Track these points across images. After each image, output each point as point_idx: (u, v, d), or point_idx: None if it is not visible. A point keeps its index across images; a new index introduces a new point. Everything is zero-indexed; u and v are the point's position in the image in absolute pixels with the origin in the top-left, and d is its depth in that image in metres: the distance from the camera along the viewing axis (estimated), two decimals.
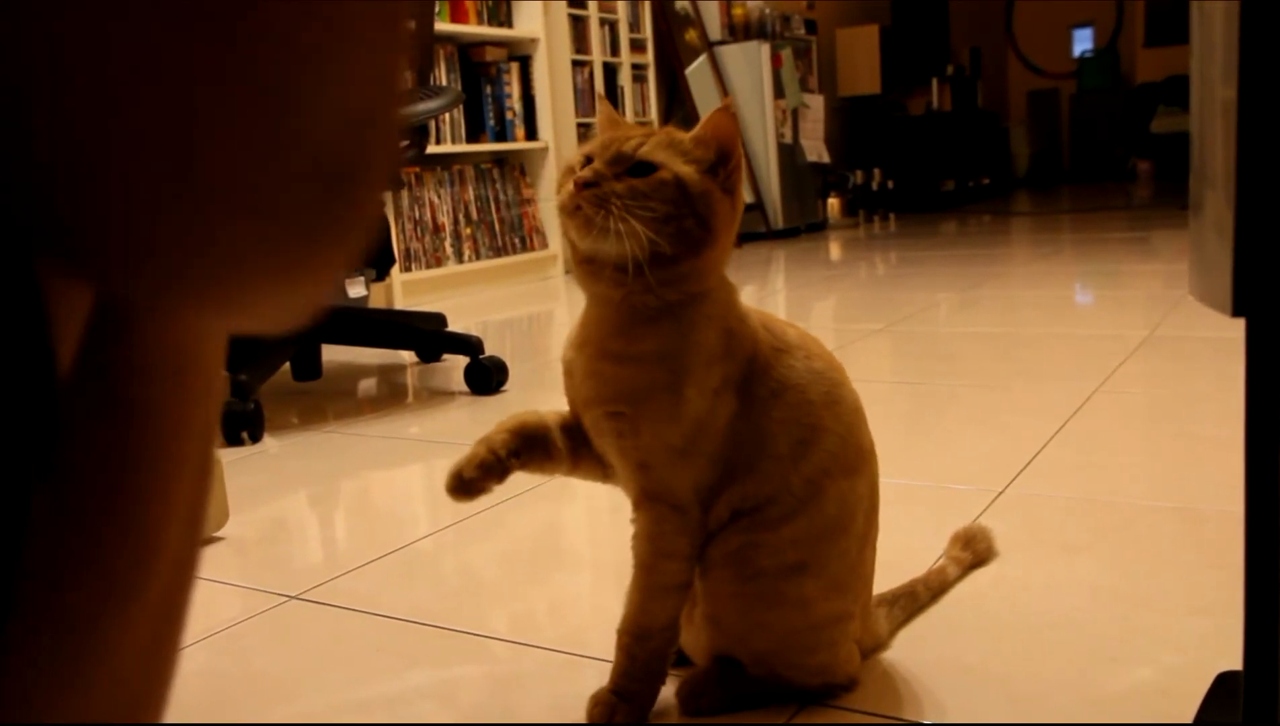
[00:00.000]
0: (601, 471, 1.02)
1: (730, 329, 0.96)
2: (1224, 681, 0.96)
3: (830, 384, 0.99)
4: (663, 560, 0.97)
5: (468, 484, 0.96)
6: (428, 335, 2.88)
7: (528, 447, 0.99)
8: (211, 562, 1.53)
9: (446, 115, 4.82)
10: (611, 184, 0.89)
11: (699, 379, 0.93)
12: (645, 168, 0.90)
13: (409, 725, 1.06)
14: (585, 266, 0.93)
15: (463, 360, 2.64)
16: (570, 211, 0.90)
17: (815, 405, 0.97)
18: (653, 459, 0.94)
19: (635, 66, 6.15)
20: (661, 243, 0.89)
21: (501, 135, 5.19)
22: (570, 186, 0.90)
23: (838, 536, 0.98)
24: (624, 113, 5.94)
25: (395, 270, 4.39)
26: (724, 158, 0.93)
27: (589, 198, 0.89)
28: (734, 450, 0.95)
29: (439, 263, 4.80)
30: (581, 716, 1.01)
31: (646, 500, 0.97)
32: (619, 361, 0.94)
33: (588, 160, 0.93)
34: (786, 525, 0.96)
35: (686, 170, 0.91)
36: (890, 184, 8.54)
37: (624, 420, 0.94)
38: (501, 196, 5.20)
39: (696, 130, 0.94)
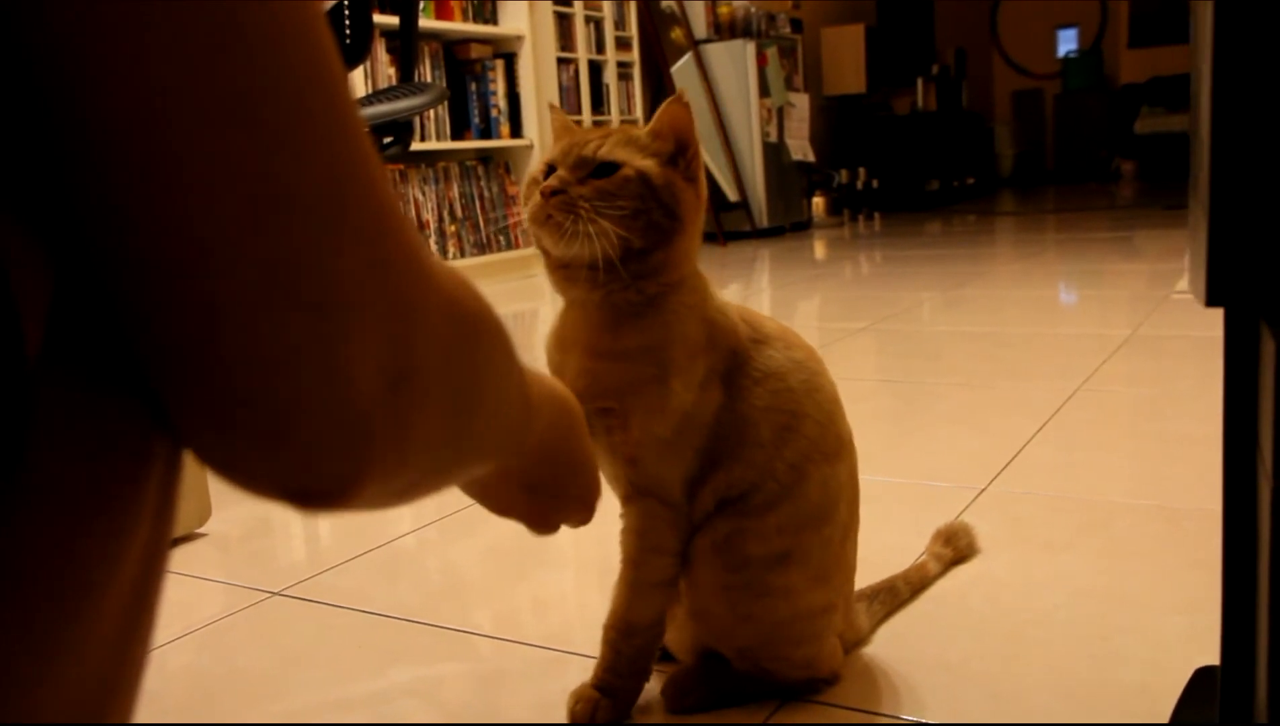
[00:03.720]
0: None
1: (710, 319, 0.97)
2: (1201, 676, 0.96)
3: (809, 373, 1.01)
4: (651, 555, 0.97)
5: None
6: None
7: None
8: (194, 559, 1.52)
9: (431, 112, 4.81)
10: (577, 188, 0.91)
11: (684, 371, 0.94)
12: (608, 168, 0.92)
13: (392, 725, 1.06)
14: (561, 272, 0.95)
15: None
16: (541, 221, 0.92)
17: (796, 392, 0.99)
18: (641, 453, 0.95)
19: (620, 64, 6.15)
20: (633, 237, 0.91)
21: (486, 132, 5.18)
22: (538, 197, 0.92)
23: (821, 524, 0.99)
24: (609, 111, 5.94)
25: None
26: (682, 147, 0.95)
27: (557, 205, 0.90)
28: (718, 440, 0.96)
29: None
30: (566, 715, 1.01)
31: (636, 495, 0.97)
32: (608, 358, 0.94)
33: (550, 169, 0.94)
34: (772, 512, 0.97)
35: (647, 164, 0.93)
36: (875, 183, 8.56)
37: (613, 416, 0.94)
38: (486, 194, 5.19)
39: (652, 124, 0.96)
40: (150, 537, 0.38)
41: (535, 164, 0.96)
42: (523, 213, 0.95)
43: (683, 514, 0.97)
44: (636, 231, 0.91)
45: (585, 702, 1.00)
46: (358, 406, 0.37)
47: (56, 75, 0.30)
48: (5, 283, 0.30)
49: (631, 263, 0.91)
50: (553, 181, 0.91)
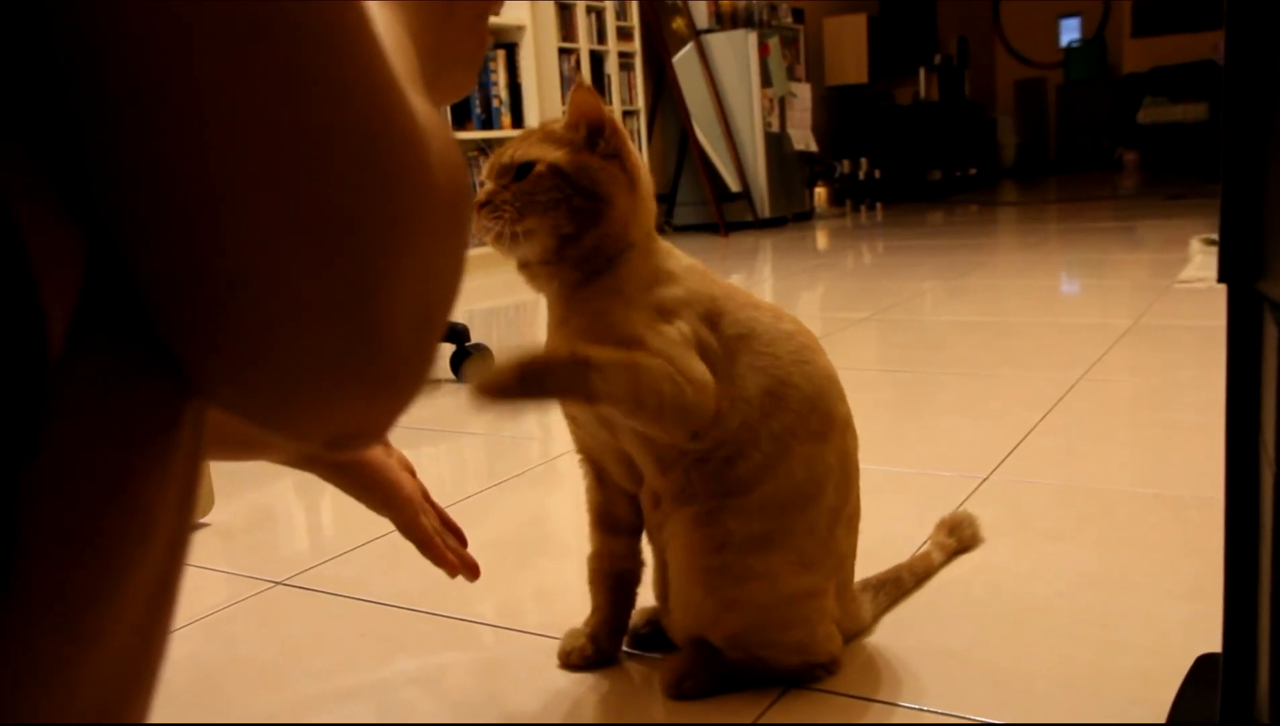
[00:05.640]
0: (634, 485, 1.06)
1: (669, 270, 1.01)
2: (1203, 663, 0.97)
3: (799, 346, 1.02)
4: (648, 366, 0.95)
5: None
6: None
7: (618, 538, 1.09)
8: (198, 549, 1.53)
9: None
10: (501, 195, 0.97)
11: (640, 299, 0.98)
12: (525, 168, 0.97)
13: (393, 724, 1.06)
14: (524, 271, 1.02)
15: (448, 348, 2.64)
16: (481, 233, 0.98)
17: (782, 360, 1.00)
18: (637, 335, 0.96)
19: (622, 55, 6.14)
20: (560, 225, 0.97)
21: (488, 123, 5.17)
22: (473, 213, 0.98)
23: (805, 506, 0.99)
24: (610, 101, 5.94)
25: None
26: (596, 130, 1.00)
27: (486, 215, 0.97)
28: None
29: None
30: (569, 703, 1.02)
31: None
32: (576, 318, 0.99)
33: (482, 185, 1.00)
34: (757, 488, 0.97)
35: (558, 155, 0.98)
36: (877, 173, 8.55)
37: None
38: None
39: (565, 115, 1.00)
40: (174, 525, 0.38)
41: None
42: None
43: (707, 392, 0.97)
44: (562, 219, 0.97)
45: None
46: (392, 356, 0.37)
47: (74, 28, 0.30)
48: (27, 272, 0.30)
49: (569, 247, 0.97)
50: (480, 195, 0.98)
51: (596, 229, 0.97)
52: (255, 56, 0.32)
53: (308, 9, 0.33)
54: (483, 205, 0.97)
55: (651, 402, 0.93)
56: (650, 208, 1.03)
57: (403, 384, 0.39)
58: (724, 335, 0.99)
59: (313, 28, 0.33)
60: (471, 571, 1.01)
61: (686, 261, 1.03)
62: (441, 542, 0.99)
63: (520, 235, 0.96)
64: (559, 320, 1.01)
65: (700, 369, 0.96)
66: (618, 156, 1.00)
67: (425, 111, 0.41)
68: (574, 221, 0.97)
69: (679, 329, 0.97)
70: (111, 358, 0.34)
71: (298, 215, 0.33)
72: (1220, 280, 0.65)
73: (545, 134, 1.00)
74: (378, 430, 0.41)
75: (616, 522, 1.08)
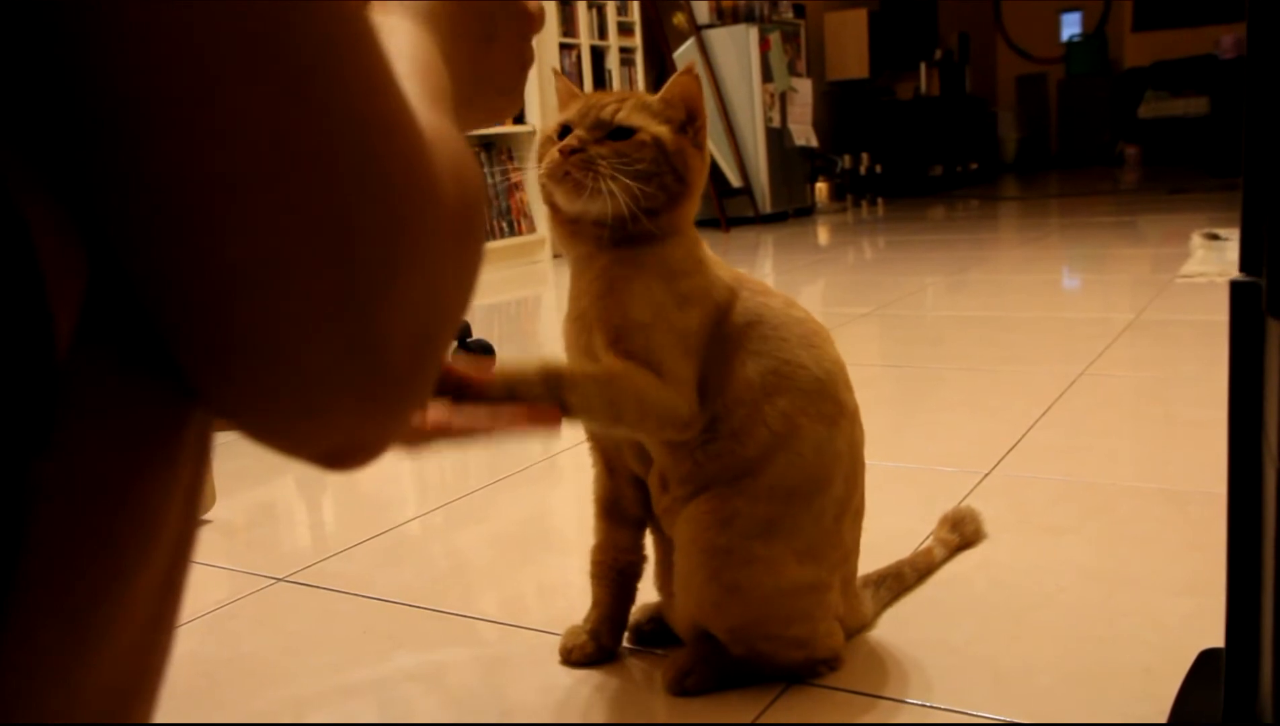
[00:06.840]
0: (644, 469, 1.05)
1: (700, 257, 1.01)
2: (1206, 659, 0.96)
3: (809, 332, 1.02)
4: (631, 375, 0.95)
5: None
6: None
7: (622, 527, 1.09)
8: (199, 545, 1.53)
9: None
10: (595, 148, 0.95)
11: (665, 281, 0.97)
12: (625, 131, 0.96)
13: (395, 724, 1.06)
14: (569, 226, 0.99)
15: (450, 343, 2.63)
16: (558, 177, 0.95)
17: (789, 342, 1.00)
18: (624, 333, 0.96)
19: (623, 50, 6.13)
20: (645, 198, 0.95)
21: None
22: (555, 154, 0.95)
23: (813, 494, 0.99)
24: None
25: None
26: (691, 116, 1.00)
27: (576, 163, 0.94)
28: (707, 364, 0.98)
29: None
30: (571, 699, 1.02)
31: (620, 357, 0.96)
32: (597, 283, 0.98)
33: (565, 129, 0.97)
34: (766, 469, 0.97)
35: (662, 130, 0.97)
36: (878, 169, 8.54)
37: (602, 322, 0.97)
38: (489, 181, 5.19)
39: (664, 92, 0.99)
40: (180, 525, 0.38)
41: (549, 124, 1.01)
42: (538, 169, 0.99)
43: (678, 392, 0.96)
44: (649, 193, 0.95)
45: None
46: (389, 370, 0.37)
47: (77, 34, 0.30)
48: (35, 269, 0.30)
49: (638, 222, 0.95)
50: (571, 140, 0.95)
51: (670, 213, 0.98)
52: (254, 68, 0.32)
53: (309, 22, 0.33)
54: (574, 151, 0.94)
55: (631, 413, 0.94)
56: (699, 202, 1.03)
57: (399, 399, 0.39)
58: (734, 323, 0.99)
59: (314, 41, 0.34)
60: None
61: (709, 254, 1.03)
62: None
63: (608, 192, 0.93)
64: (581, 286, 0.99)
65: (685, 369, 0.96)
66: (701, 149, 1.01)
67: (436, 126, 0.41)
68: (658, 198, 0.96)
69: (686, 321, 0.97)
70: (118, 362, 0.34)
71: (294, 225, 0.33)
72: (1241, 270, 0.67)
73: (642, 103, 0.98)
74: (374, 445, 0.41)
75: (622, 512, 1.08)
